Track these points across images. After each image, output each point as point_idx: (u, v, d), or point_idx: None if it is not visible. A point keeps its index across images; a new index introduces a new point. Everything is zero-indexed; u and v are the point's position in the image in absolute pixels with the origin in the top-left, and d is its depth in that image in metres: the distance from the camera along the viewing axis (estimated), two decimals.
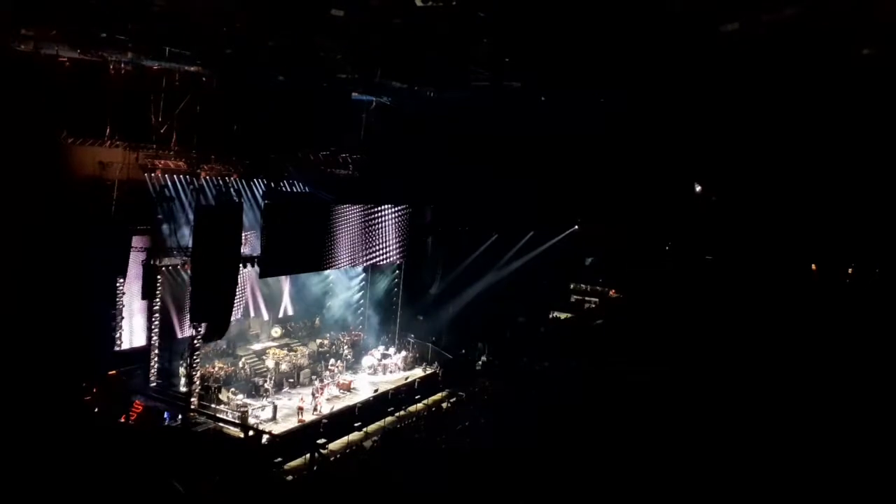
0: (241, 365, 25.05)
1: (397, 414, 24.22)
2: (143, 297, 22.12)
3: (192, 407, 21.56)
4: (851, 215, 27.53)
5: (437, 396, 26.63)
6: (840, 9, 13.10)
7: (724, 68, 18.12)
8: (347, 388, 25.14)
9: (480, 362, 29.79)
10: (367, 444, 21.30)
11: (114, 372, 21.33)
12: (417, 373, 27.98)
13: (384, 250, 28.40)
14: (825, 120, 22.45)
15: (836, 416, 20.62)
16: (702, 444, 19.02)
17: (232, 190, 23.42)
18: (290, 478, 18.85)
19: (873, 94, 19.15)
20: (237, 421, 20.92)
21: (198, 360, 22.24)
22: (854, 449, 18.76)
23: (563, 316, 36.46)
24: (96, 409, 19.74)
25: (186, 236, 22.34)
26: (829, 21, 13.72)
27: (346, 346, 28.56)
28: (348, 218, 26.05)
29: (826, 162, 25.65)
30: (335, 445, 20.95)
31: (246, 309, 27.10)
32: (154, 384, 22.30)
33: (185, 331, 23.17)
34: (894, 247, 27.75)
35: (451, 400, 26.09)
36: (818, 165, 26.01)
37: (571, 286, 38.76)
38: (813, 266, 32.51)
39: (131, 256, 21.87)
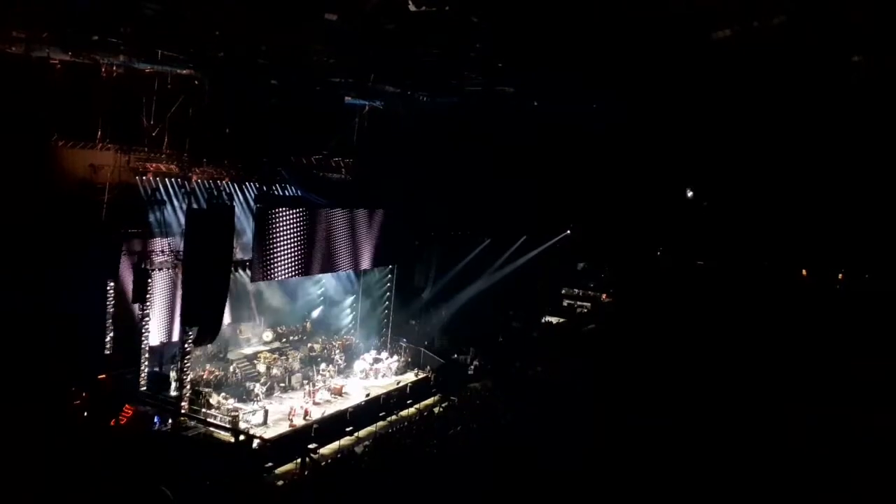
0: (232, 369, 24.91)
1: (389, 419, 24.15)
2: (134, 301, 22.01)
3: (183, 411, 21.41)
4: (842, 221, 27.73)
5: (430, 401, 26.54)
6: (830, 16, 13.20)
7: (717, 75, 18.24)
8: (339, 393, 25.05)
9: (472, 367, 29.78)
10: (359, 448, 21.22)
11: (104, 376, 21.19)
12: (409, 377, 27.88)
13: (377, 254, 28.33)
14: (816, 126, 22.62)
15: (829, 418, 20.74)
16: (695, 449, 19.06)
17: (224, 193, 23.32)
18: (280, 483, 18.76)
19: (864, 102, 19.30)
20: (228, 425, 20.81)
21: (188, 364, 22.10)
22: (848, 451, 18.86)
23: (555, 320, 36.56)
24: (86, 414, 19.60)
25: (178, 240, 22.25)
26: (819, 29, 13.82)
27: (337, 351, 28.45)
28: (341, 222, 26.00)
29: (817, 168, 25.85)
30: (326, 450, 20.88)
31: (237, 313, 26.99)
32: (144, 388, 22.15)
33: (176, 335, 23.06)
34: (884, 252, 27.95)
35: (444, 405, 26.03)
36: (809, 172, 26.20)
37: (564, 291, 38.93)
38: (803, 271, 32.74)
39: (122, 259, 21.78)
